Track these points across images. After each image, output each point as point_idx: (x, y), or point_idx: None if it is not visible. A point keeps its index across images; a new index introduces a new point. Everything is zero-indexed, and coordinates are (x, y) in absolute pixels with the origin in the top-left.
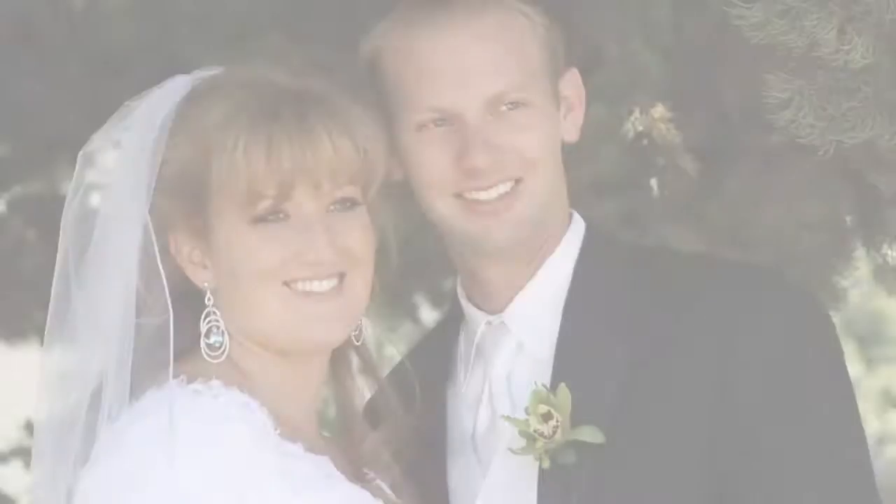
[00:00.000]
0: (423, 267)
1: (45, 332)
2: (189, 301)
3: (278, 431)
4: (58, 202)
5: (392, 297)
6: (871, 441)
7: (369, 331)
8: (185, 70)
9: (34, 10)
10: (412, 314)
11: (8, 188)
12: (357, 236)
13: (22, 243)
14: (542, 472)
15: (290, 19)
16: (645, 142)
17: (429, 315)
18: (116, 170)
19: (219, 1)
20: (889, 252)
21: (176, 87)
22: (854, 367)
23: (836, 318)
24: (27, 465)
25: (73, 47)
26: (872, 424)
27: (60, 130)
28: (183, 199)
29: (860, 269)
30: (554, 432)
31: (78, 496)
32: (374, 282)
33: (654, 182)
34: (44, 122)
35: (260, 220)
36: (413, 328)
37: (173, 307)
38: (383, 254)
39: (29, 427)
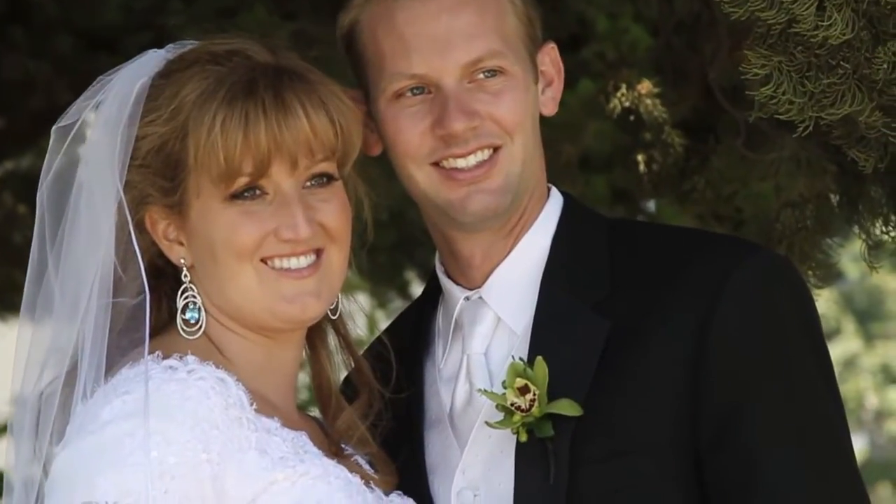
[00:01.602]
0: (414, 243)
1: (21, 308)
2: (165, 277)
3: (254, 407)
4: None
5: (383, 273)
6: (870, 416)
7: (361, 306)
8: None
9: None
10: (403, 290)
11: None
12: (334, 212)
13: (13, 218)
14: (519, 445)
15: None
16: (632, 117)
17: (419, 291)
18: (91, 144)
19: None
20: (873, 229)
21: (150, 61)
22: (853, 344)
23: (832, 295)
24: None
25: (63, 22)
26: (871, 400)
27: (51, 105)
28: (159, 174)
29: (853, 246)
30: (531, 406)
31: (54, 473)
32: (350, 257)
33: (640, 158)
34: (35, 97)
35: (236, 196)
36: (403, 304)
37: (151, 282)
38: (360, 228)
39: (15, 402)
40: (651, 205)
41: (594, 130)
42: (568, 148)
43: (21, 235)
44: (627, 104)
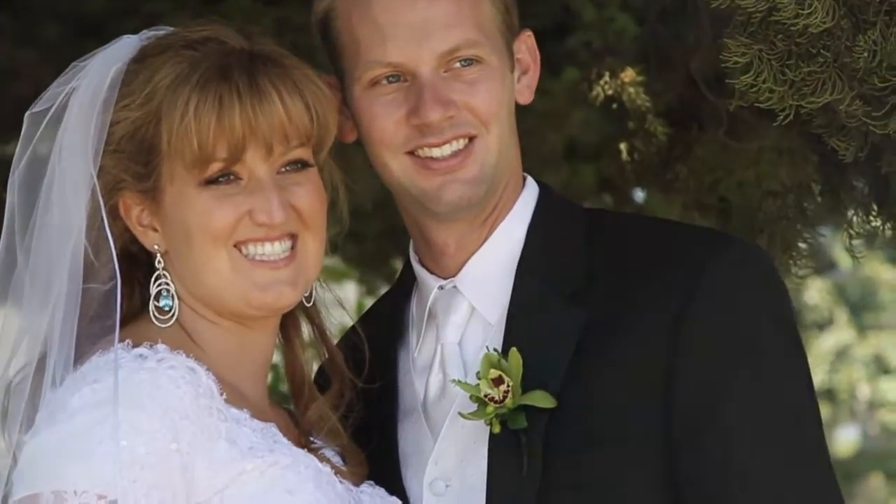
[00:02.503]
0: (401, 231)
1: None
2: (138, 264)
3: (224, 396)
4: None
5: (371, 261)
6: (862, 407)
7: (336, 295)
8: None
9: None
10: (391, 278)
11: None
12: (308, 197)
13: None
14: (492, 436)
15: None
16: (615, 106)
17: None
18: (64, 130)
19: None
20: (855, 218)
21: (125, 47)
22: (846, 334)
23: (824, 285)
24: None
25: (50, 8)
26: (864, 390)
27: (37, 92)
28: (132, 160)
29: (842, 236)
30: (504, 397)
31: (23, 461)
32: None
33: (623, 146)
34: (20, 83)
35: (210, 182)
36: None
37: (121, 270)
38: (338, 215)
39: None
40: (639, 194)
41: (580, 119)
42: (553, 136)
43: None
44: (611, 92)
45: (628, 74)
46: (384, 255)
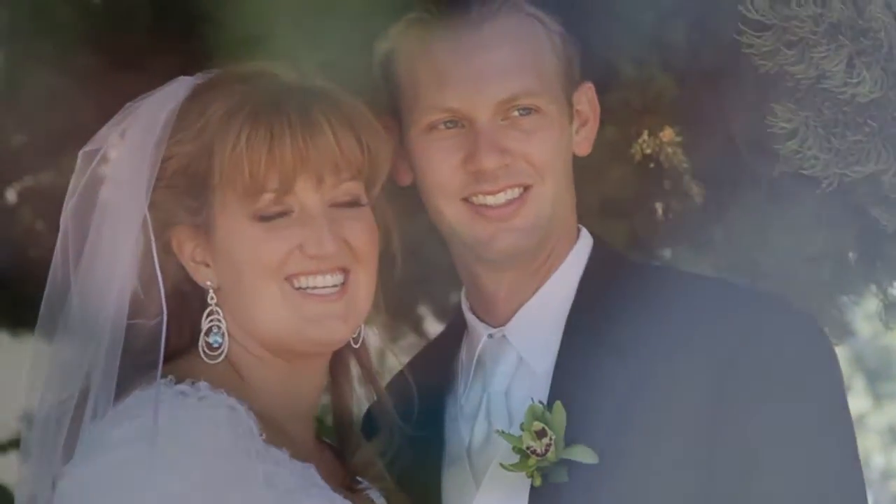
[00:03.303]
0: (429, 278)
1: (37, 324)
2: (190, 300)
3: (263, 437)
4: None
5: (396, 307)
6: (875, 476)
7: (372, 337)
8: (201, 68)
9: (55, 1)
10: (417, 326)
11: (19, 178)
12: (360, 233)
13: (31, 233)
14: (533, 490)
15: (310, 22)
16: (652, 165)
17: (433, 328)
18: (116, 169)
19: (237, 0)
20: (891, 289)
21: (180, 88)
22: (861, 402)
23: (843, 352)
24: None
25: (91, 40)
26: (877, 460)
27: (74, 122)
28: (185, 194)
29: (867, 304)
30: (547, 450)
31: (59, 494)
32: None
33: (659, 206)
34: (58, 113)
35: (262, 215)
36: (417, 340)
37: (175, 305)
38: (387, 258)
39: (26, 418)
40: (668, 253)
41: (618, 176)
42: (590, 191)
43: (37, 251)
44: (648, 151)
45: (667, 134)
46: (411, 302)
